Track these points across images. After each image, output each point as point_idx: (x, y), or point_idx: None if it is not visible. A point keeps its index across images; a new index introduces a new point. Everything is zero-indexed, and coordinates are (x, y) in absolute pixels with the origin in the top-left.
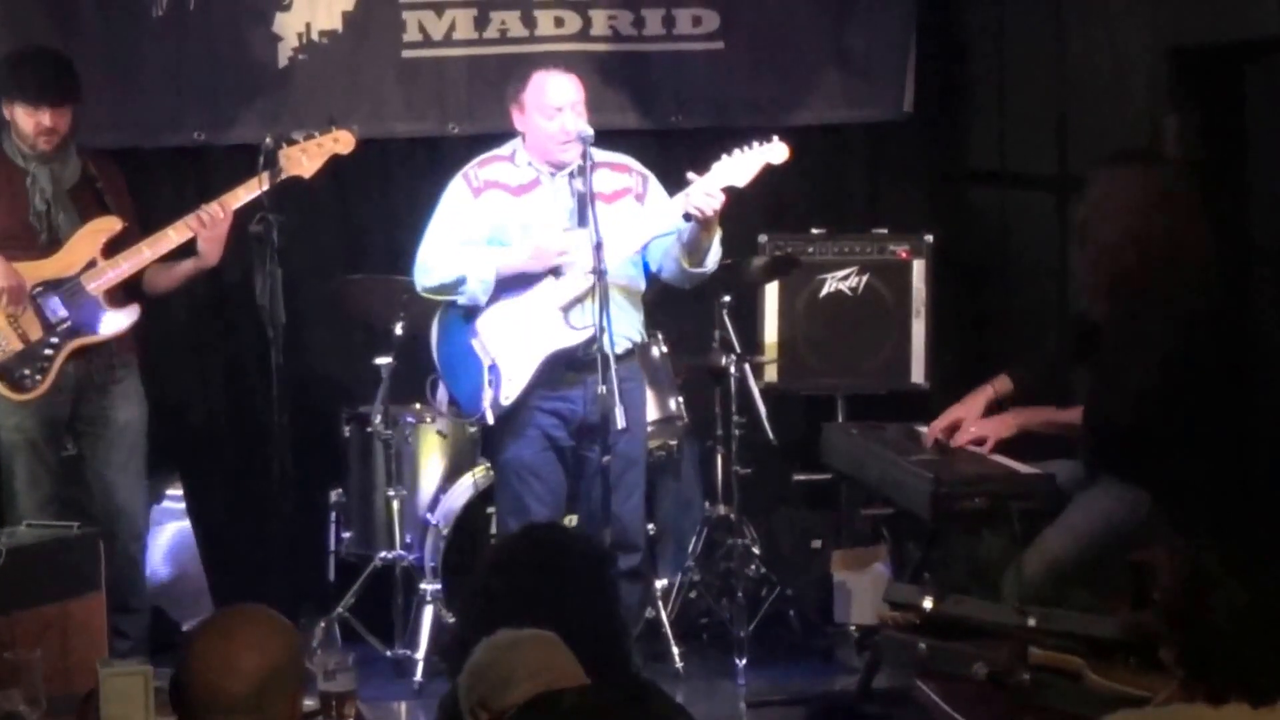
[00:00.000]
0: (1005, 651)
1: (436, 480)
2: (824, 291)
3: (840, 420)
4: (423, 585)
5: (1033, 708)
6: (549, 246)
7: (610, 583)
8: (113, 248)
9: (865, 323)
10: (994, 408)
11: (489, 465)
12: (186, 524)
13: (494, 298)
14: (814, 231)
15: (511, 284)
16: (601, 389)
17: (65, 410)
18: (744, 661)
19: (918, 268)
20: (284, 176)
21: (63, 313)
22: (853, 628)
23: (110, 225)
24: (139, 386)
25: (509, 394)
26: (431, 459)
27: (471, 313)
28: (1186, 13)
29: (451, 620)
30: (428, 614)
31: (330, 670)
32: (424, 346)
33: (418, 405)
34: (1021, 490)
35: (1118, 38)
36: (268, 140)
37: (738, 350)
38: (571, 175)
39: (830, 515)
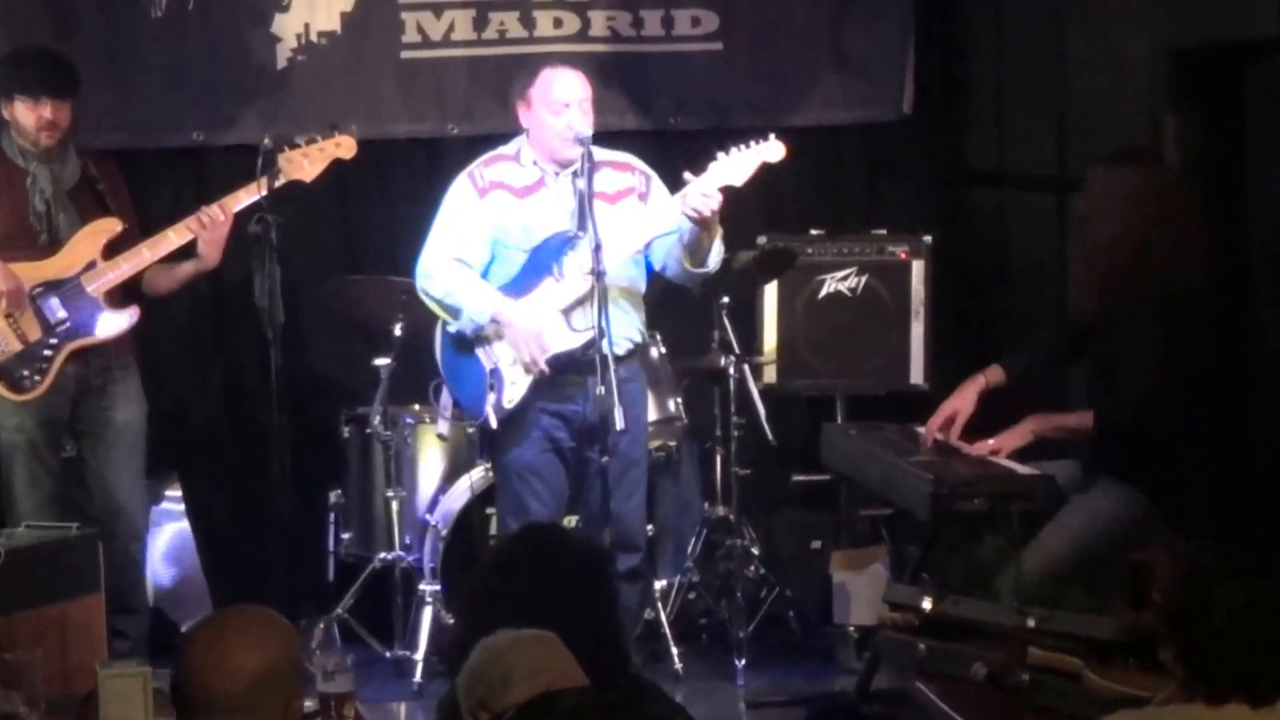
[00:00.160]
0: (1004, 652)
1: (436, 481)
2: (823, 292)
3: (839, 421)
4: (422, 586)
5: (1032, 708)
6: (536, 343)
7: (609, 583)
8: (113, 249)
9: (864, 323)
10: (985, 397)
11: (488, 466)
12: (186, 525)
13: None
14: (813, 232)
15: (513, 287)
16: (600, 390)
17: (65, 411)
18: (743, 662)
19: (917, 268)
20: (285, 180)
21: (62, 314)
22: (852, 628)
23: (110, 226)
24: (138, 387)
25: (511, 398)
26: (431, 460)
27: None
28: (1186, 13)
29: (451, 621)
30: (427, 615)
31: (329, 671)
32: (424, 348)
33: (417, 406)
34: (1021, 491)
35: (1117, 38)
36: (266, 141)
37: (737, 351)
38: (575, 174)
39: (829, 516)
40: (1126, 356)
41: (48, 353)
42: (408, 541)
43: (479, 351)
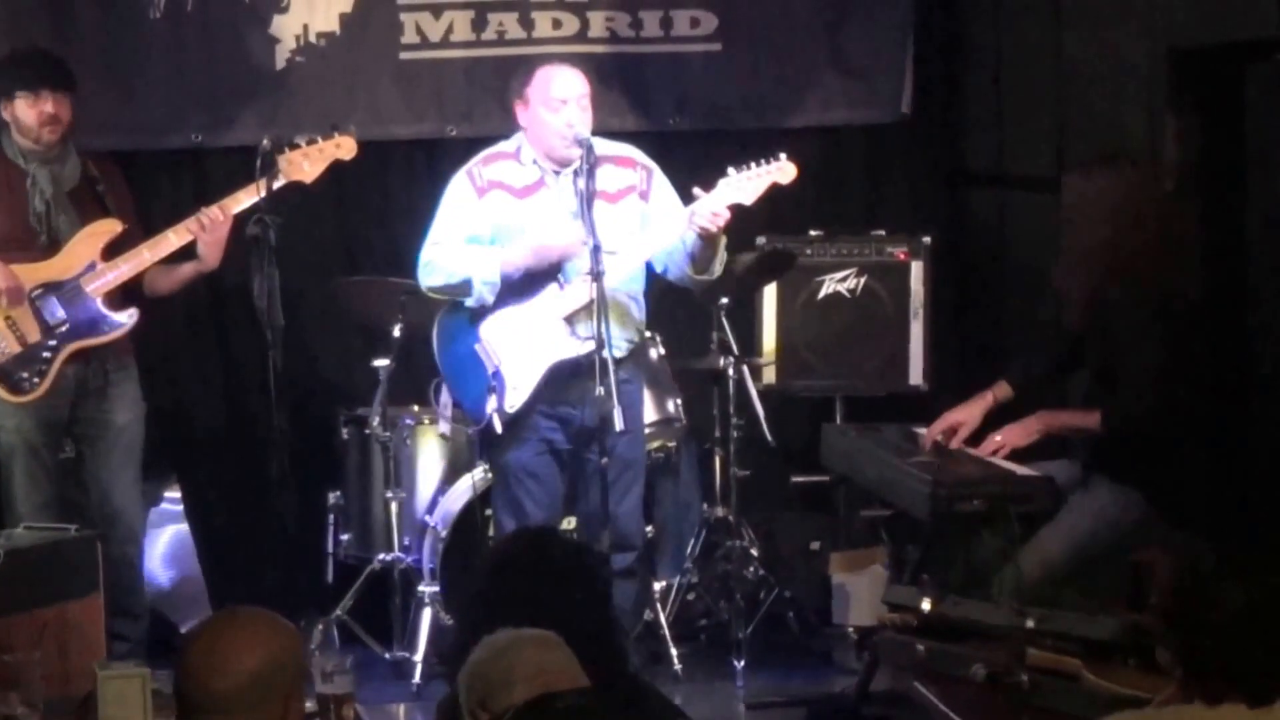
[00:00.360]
0: (1004, 653)
1: (435, 482)
2: (822, 293)
3: (838, 422)
4: (421, 587)
5: (1031, 709)
6: (551, 243)
7: (605, 585)
8: (112, 250)
9: (863, 324)
10: (993, 415)
11: (487, 467)
12: (185, 526)
13: (498, 303)
14: (812, 233)
15: (515, 291)
16: (599, 391)
17: (64, 413)
18: (742, 663)
19: (916, 269)
20: (285, 181)
21: (61, 315)
22: (851, 629)
23: (110, 227)
24: (137, 389)
25: (514, 402)
26: (430, 461)
27: (475, 316)
28: (1185, 14)
29: (450, 622)
30: (426, 616)
31: (328, 672)
32: (423, 349)
33: (416, 407)
34: (1020, 492)
35: (1116, 39)
36: (265, 142)
37: (736, 352)
38: (576, 173)
39: (829, 517)
40: (1120, 362)
41: (47, 354)
42: (407, 543)
43: (480, 353)
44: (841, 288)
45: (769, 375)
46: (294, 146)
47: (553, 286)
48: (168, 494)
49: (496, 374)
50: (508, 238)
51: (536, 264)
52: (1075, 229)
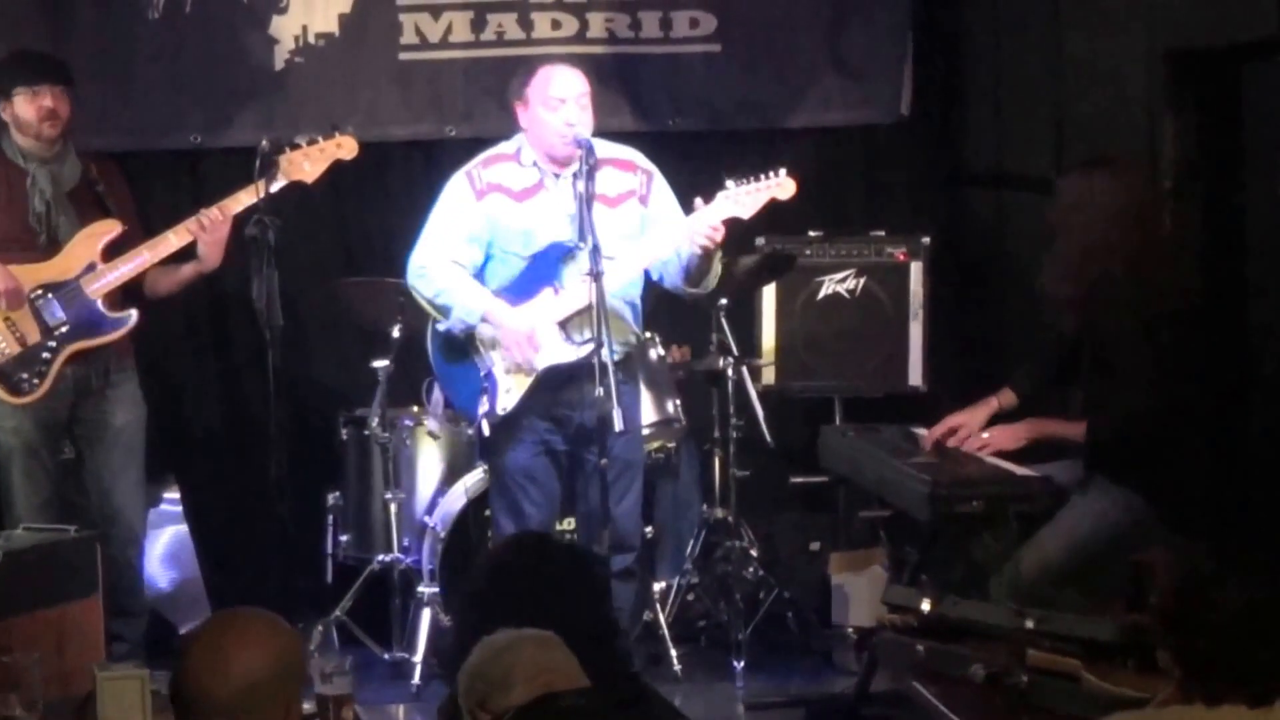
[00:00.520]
0: (1003, 653)
1: (434, 483)
2: (821, 294)
3: (838, 422)
4: (420, 588)
5: (1030, 709)
6: (529, 344)
7: (604, 586)
8: (112, 251)
9: (863, 325)
10: (996, 421)
11: (485, 469)
12: (184, 527)
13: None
14: (811, 234)
15: (512, 293)
16: (599, 392)
17: (63, 413)
18: (742, 664)
19: (915, 270)
20: (286, 181)
21: (61, 316)
22: (851, 630)
23: (109, 228)
24: (137, 390)
25: (505, 404)
26: (429, 462)
27: None
28: (1183, 15)
29: (449, 623)
30: (425, 617)
31: (327, 673)
32: (421, 350)
33: (415, 408)
34: (1019, 492)
35: (1114, 40)
36: (264, 143)
37: (735, 353)
38: (575, 176)
39: (828, 517)
40: (1117, 365)
41: (46, 355)
42: (406, 544)
43: (473, 354)
44: (841, 288)
45: (768, 376)
46: (295, 147)
47: (547, 291)
48: (167, 495)
49: (489, 376)
50: (505, 239)
51: (507, 342)
52: (1070, 232)
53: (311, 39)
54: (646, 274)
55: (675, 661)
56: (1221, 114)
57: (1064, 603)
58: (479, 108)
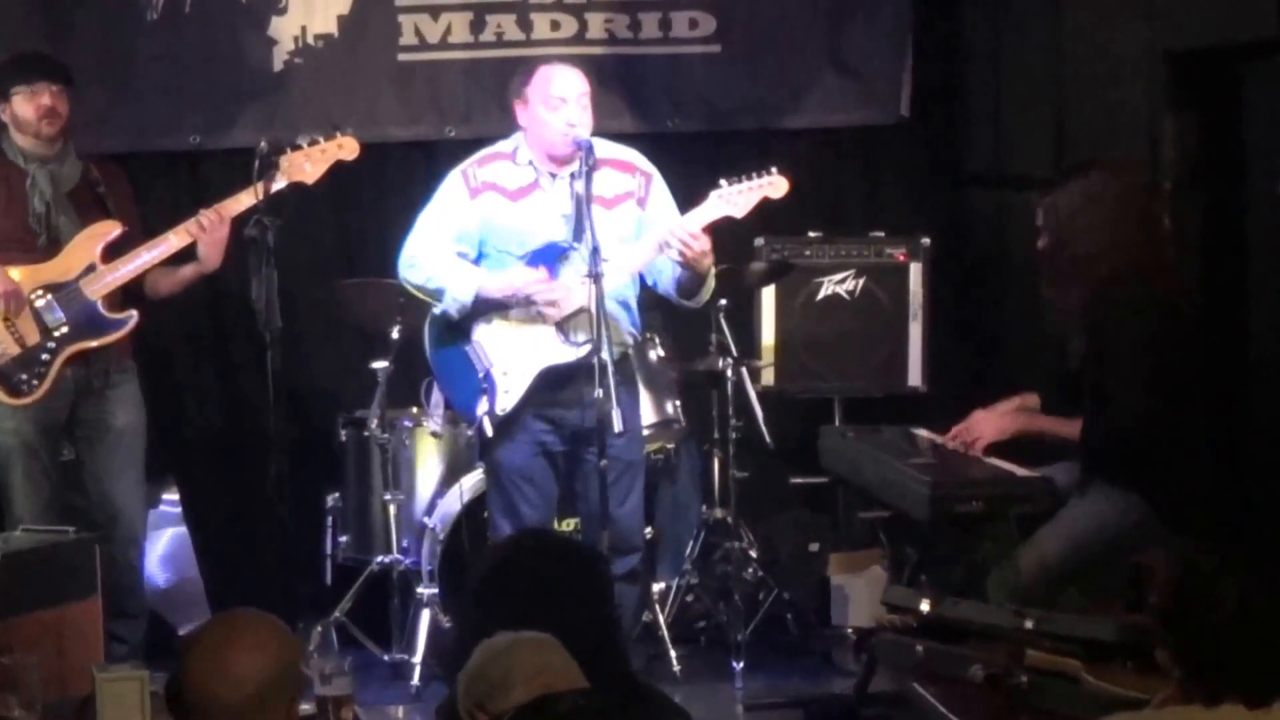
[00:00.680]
0: (1003, 654)
1: (434, 484)
2: (821, 295)
3: (837, 423)
4: (420, 589)
5: (1030, 710)
6: (525, 284)
7: (604, 586)
8: (112, 252)
9: (862, 326)
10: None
11: (483, 470)
12: (183, 528)
13: (491, 305)
14: (810, 235)
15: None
16: (598, 393)
17: (63, 415)
18: (741, 664)
19: (914, 270)
20: (287, 182)
21: (61, 317)
22: (850, 630)
23: (109, 229)
24: (137, 391)
25: (504, 405)
26: (429, 463)
27: (468, 316)
28: (1183, 15)
29: (448, 624)
30: (425, 618)
31: (327, 674)
32: (421, 350)
33: (415, 409)
34: (1019, 493)
35: (1114, 40)
36: (262, 144)
37: (734, 354)
38: (573, 176)
39: (828, 518)
40: (1120, 365)
41: (46, 356)
42: (405, 545)
43: (470, 354)
44: (840, 289)
45: (768, 377)
46: (295, 147)
47: None
48: (166, 496)
49: (487, 376)
50: (499, 239)
51: (509, 300)
52: (1075, 239)
53: (310, 40)
54: (641, 277)
55: (674, 662)
56: (1221, 114)
57: (1064, 603)
58: (478, 109)
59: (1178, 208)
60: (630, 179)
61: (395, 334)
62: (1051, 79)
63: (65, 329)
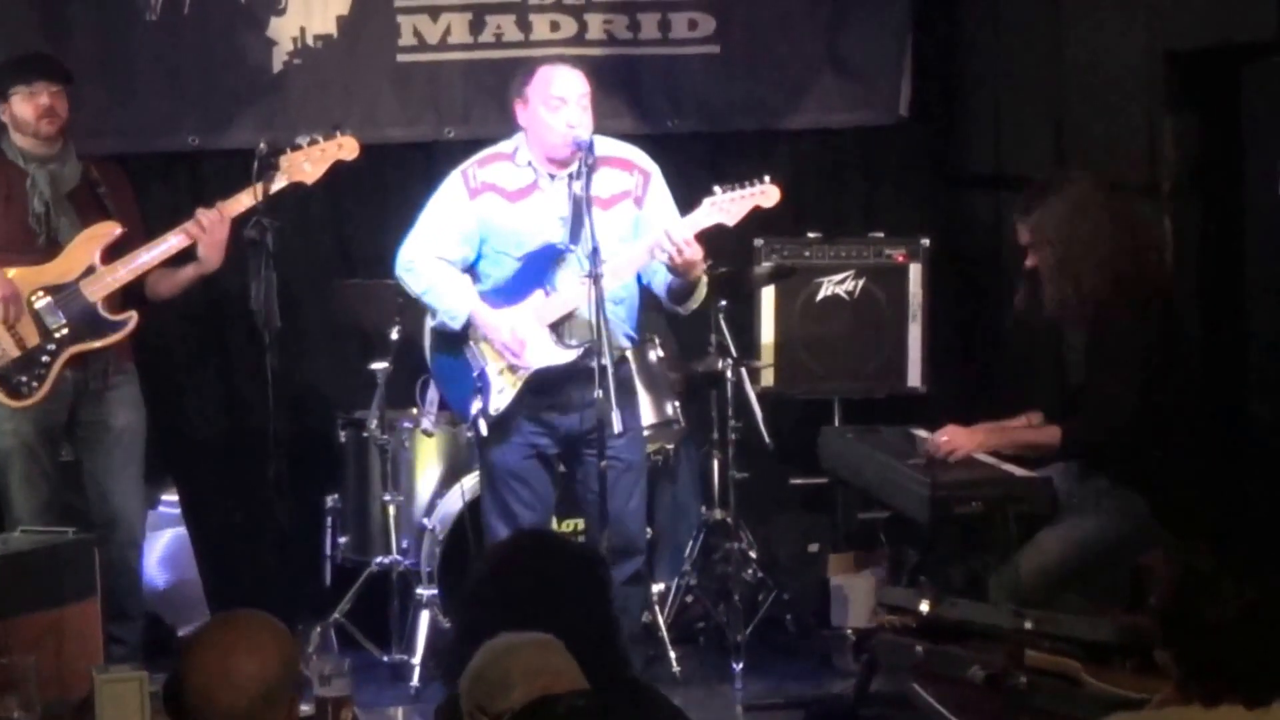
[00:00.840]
0: (1002, 654)
1: (433, 485)
2: (820, 295)
3: (837, 424)
4: (419, 590)
5: (1029, 710)
6: (501, 341)
7: (604, 587)
8: (112, 253)
9: (862, 327)
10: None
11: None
12: (183, 529)
13: (488, 305)
14: (810, 236)
15: (504, 295)
16: (597, 394)
17: (63, 416)
18: (741, 665)
19: (914, 271)
20: (287, 182)
21: (60, 319)
22: (850, 631)
23: (109, 230)
24: (137, 392)
25: (498, 405)
26: (428, 464)
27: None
28: (1182, 16)
29: (448, 625)
30: (424, 619)
31: (326, 675)
32: (420, 351)
33: (414, 410)
34: (1018, 494)
35: (1114, 41)
36: (261, 145)
37: (734, 354)
38: (572, 177)
39: (827, 519)
40: (1106, 368)
41: (46, 358)
42: (405, 545)
43: (467, 354)
44: (840, 290)
45: (767, 377)
46: (295, 148)
47: (539, 293)
48: (165, 497)
49: (482, 375)
50: (497, 240)
51: (494, 339)
52: (1068, 248)
53: (310, 41)
54: (639, 277)
55: (674, 663)
56: (1221, 114)
57: (1064, 605)
58: (477, 109)
59: (1178, 208)
60: (628, 178)
61: (394, 335)
62: (1051, 79)
63: (65, 330)
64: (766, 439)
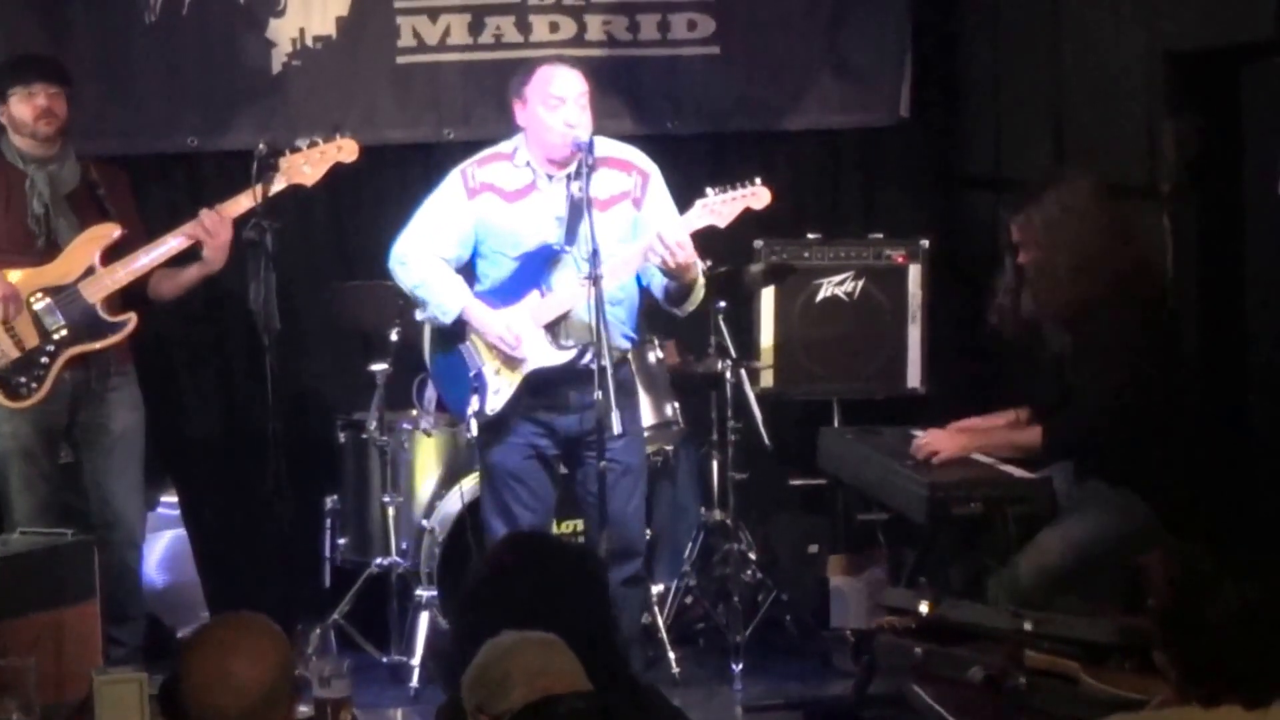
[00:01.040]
0: (1001, 655)
1: (432, 486)
2: (820, 296)
3: (836, 425)
4: (418, 591)
5: (1029, 711)
6: (497, 336)
7: (602, 588)
8: (112, 255)
9: (861, 328)
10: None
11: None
12: (182, 531)
13: (485, 304)
14: (810, 237)
15: (499, 295)
16: (597, 395)
17: (62, 418)
18: (740, 666)
19: (913, 272)
20: (286, 184)
21: (60, 320)
22: (849, 632)
23: (108, 232)
24: (136, 394)
25: (493, 405)
26: (427, 465)
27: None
28: (1182, 17)
29: (447, 626)
30: (423, 620)
31: (325, 677)
32: (419, 352)
33: (413, 411)
34: (1017, 494)
35: (1113, 42)
36: (261, 147)
37: (733, 355)
38: (570, 177)
39: (826, 520)
40: (1093, 365)
41: (45, 360)
42: (404, 547)
43: (464, 353)
44: (839, 291)
45: (767, 378)
46: (294, 150)
47: (534, 293)
48: (165, 498)
49: (478, 375)
50: (494, 240)
51: (488, 336)
52: (1057, 248)
53: (309, 42)
54: (638, 279)
55: (673, 664)
56: (1221, 114)
57: (1063, 605)
58: (477, 110)
59: (1177, 208)
60: (626, 178)
61: (394, 336)
62: (1051, 80)
63: (64, 332)
64: (766, 440)
